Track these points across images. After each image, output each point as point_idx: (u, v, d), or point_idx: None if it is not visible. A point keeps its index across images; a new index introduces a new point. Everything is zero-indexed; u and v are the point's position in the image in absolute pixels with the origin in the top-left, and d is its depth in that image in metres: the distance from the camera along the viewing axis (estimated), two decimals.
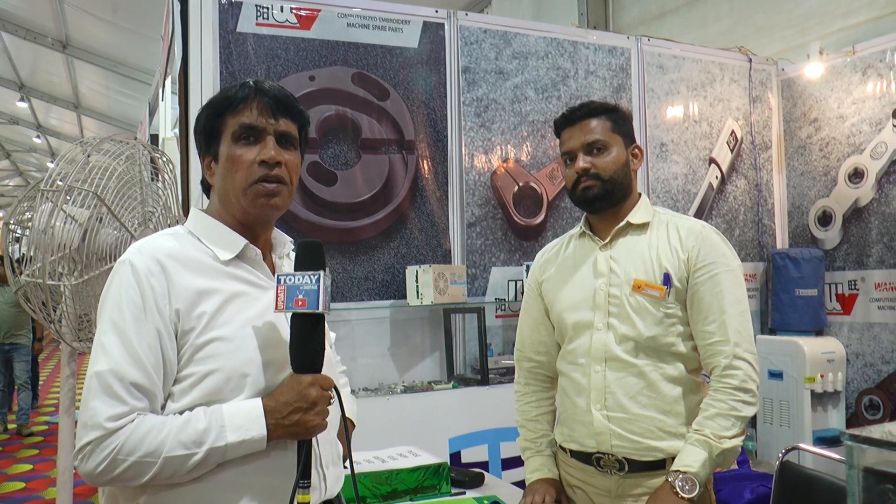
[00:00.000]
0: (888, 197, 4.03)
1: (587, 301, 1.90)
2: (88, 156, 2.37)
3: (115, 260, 2.10)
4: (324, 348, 1.33)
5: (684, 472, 1.72)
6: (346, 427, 1.46)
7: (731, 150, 4.50)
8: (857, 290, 4.21)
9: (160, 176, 2.69)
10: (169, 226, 2.38)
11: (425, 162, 3.56)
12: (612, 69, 4.11)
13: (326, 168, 3.32)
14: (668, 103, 4.30)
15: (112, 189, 2.41)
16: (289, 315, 1.31)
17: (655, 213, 1.95)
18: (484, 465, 3.26)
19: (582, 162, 1.89)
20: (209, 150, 1.42)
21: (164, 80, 4.37)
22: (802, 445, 2.76)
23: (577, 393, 1.90)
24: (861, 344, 4.18)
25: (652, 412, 1.81)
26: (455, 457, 3.24)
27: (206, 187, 1.47)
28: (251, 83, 1.40)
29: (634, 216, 1.92)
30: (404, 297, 3.42)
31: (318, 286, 1.27)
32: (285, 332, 1.34)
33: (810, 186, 4.49)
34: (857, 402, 4.18)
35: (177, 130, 4.08)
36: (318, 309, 1.27)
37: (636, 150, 1.98)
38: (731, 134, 4.50)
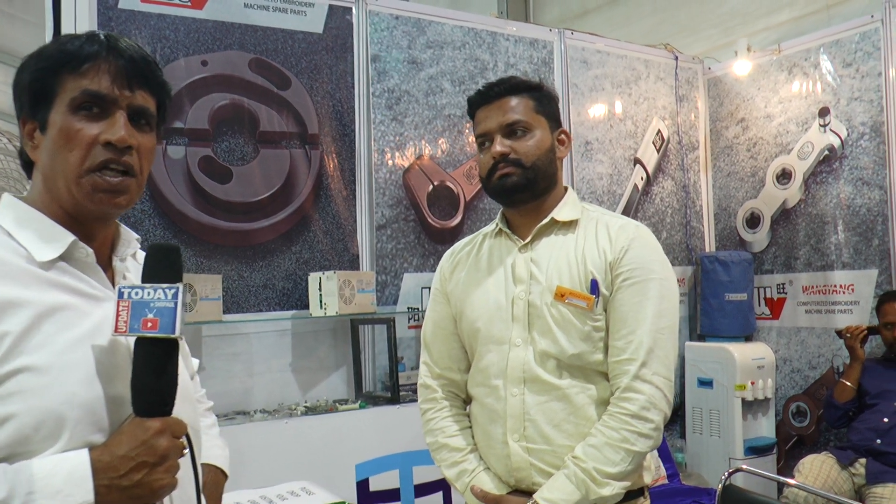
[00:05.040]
0: (815, 198, 4.23)
1: (503, 311, 1.76)
2: None
3: None
4: (177, 384, 1.12)
5: None
6: (199, 486, 1.22)
7: (658, 150, 4.64)
8: (786, 293, 4.40)
9: None
10: None
11: (330, 158, 3.53)
12: (533, 62, 4.18)
13: (220, 163, 3.26)
14: (593, 100, 4.41)
15: None
16: (132, 340, 1.10)
17: (584, 210, 1.83)
18: (395, 494, 3.24)
19: (499, 145, 1.75)
20: (34, 114, 1.17)
21: None
22: (745, 467, 2.88)
23: (490, 420, 1.77)
24: (789, 349, 4.37)
25: (578, 442, 1.67)
26: (363, 485, 3.20)
27: (27, 164, 1.22)
28: (102, 36, 1.17)
29: (560, 213, 1.79)
30: (307, 306, 3.38)
31: (175, 304, 1.09)
32: (126, 359, 1.12)
33: (738, 188, 4.68)
34: (785, 408, 4.36)
35: None
36: (173, 333, 1.08)
37: (563, 135, 1.86)
38: (657, 133, 4.65)
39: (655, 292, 1.69)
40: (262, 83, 3.38)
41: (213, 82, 3.27)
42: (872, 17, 3.98)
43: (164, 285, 1.10)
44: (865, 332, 3.63)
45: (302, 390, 3.43)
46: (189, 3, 3.24)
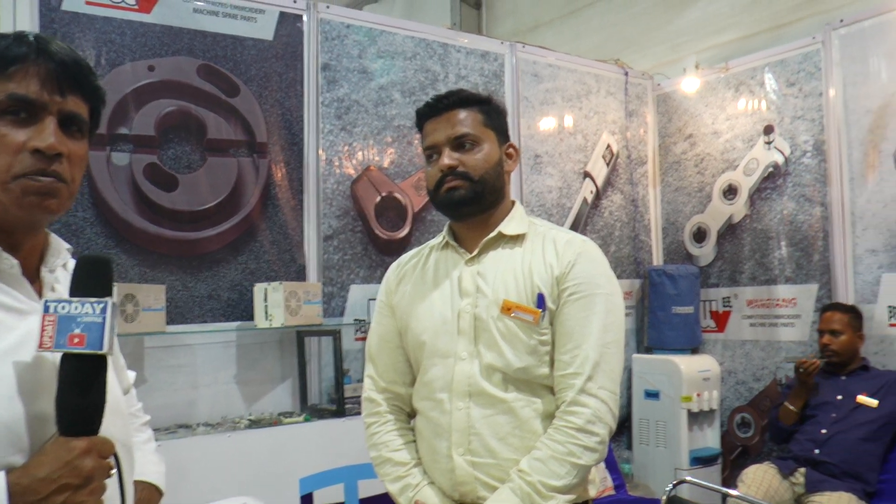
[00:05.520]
0: (760, 213, 4.37)
1: (449, 324, 1.77)
2: None
3: None
4: (105, 401, 1.08)
5: None
6: None
7: (607, 164, 4.72)
8: (731, 307, 4.53)
9: None
10: None
11: (279, 167, 3.52)
12: (484, 75, 4.22)
13: (166, 171, 3.23)
14: (543, 113, 4.47)
15: None
16: (58, 355, 1.06)
17: (532, 224, 1.85)
18: None
19: (447, 158, 1.76)
20: None
21: None
22: (689, 478, 2.94)
23: (435, 435, 1.77)
24: (734, 361, 4.49)
25: (524, 456, 1.68)
26: (307, 499, 3.16)
27: None
28: (31, 38, 1.13)
29: (508, 227, 1.81)
30: (253, 317, 3.35)
31: (104, 318, 1.05)
32: (51, 376, 1.07)
33: (685, 202, 4.81)
34: (730, 419, 4.48)
35: None
36: (101, 349, 1.04)
37: (511, 149, 1.87)
38: (606, 148, 4.73)
39: (601, 307, 1.71)
40: (211, 90, 3.35)
41: (160, 88, 3.24)
42: (814, 38, 4.13)
43: (93, 299, 1.06)
44: (819, 367, 3.70)
45: (246, 403, 3.40)
46: (136, 7, 3.21)
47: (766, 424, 4.14)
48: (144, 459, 1.44)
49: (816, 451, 3.47)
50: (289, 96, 3.58)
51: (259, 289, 3.32)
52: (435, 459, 1.78)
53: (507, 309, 1.72)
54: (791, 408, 3.64)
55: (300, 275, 3.54)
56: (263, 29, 3.52)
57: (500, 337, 1.72)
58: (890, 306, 3.78)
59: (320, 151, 3.64)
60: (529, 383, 1.73)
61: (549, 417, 1.72)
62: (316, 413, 3.42)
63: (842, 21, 4.01)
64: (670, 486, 3.08)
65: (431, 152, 1.82)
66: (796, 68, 4.20)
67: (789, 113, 4.23)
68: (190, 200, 3.27)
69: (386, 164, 3.84)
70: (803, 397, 3.65)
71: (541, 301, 1.72)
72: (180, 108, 3.29)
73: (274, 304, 3.25)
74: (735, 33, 4.76)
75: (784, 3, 4.54)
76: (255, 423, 3.24)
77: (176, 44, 3.30)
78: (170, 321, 3.12)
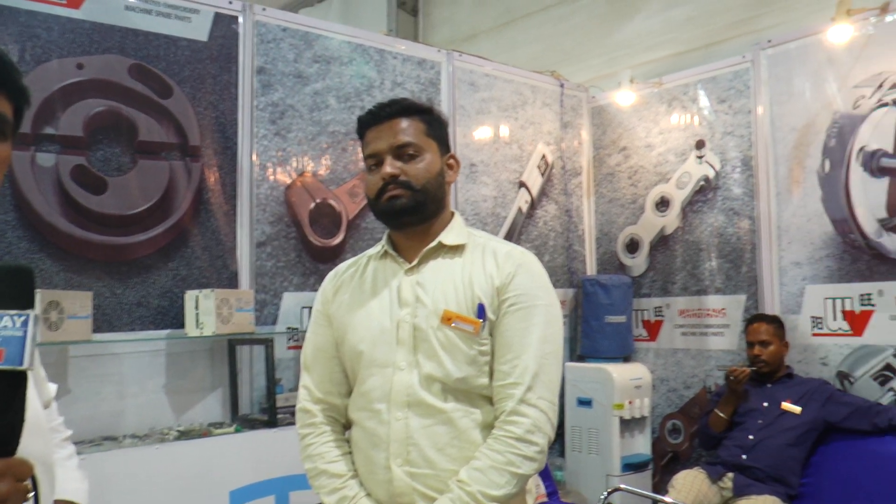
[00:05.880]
0: (692, 225, 4.50)
1: (388, 334, 1.77)
2: None
3: None
4: (24, 420, 1.01)
5: None
6: None
7: (542, 175, 4.80)
8: (663, 316, 4.66)
9: None
10: None
11: (212, 171, 3.47)
12: (420, 82, 4.24)
13: (95, 173, 3.14)
14: (479, 123, 4.51)
15: None
16: None
17: (471, 235, 1.86)
18: None
19: (390, 167, 1.76)
20: None
21: None
22: (623, 486, 3.00)
23: (372, 445, 1.76)
24: (666, 369, 4.62)
25: (462, 466, 1.69)
26: None
27: None
28: None
29: (447, 237, 1.82)
30: (183, 325, 3.29)
31: (25, 332, 0.99)
32: None
33: (619, 213, 4.91)
34: (662, 426, 4.60)
35: None
36: (21, 365, 0.98)
37: (452, 159, 1.90)
38: (541, 158, 4.80)
39: (541, 318, 1.74)
40: (143, 90, 3.28)
41: (88, 87, 3.16)
42: (744, 57, 4.27)
43: (13, 312, 0.99)
44: (749, 375, 3.82)
45: (175, 414, 3.33)
46: (64, 2, 3.12)
47: (695, 431, 4.25)
48: (66, 477, 1.38)
49: (744, 457, 3.58)
50: (223, 99, 3.53)
51: (190, 296, 3.26)
52: (372, 471, 1.77)
53: (447, 319, 1.73)
54: (721, 415, 3.75)
55: (232, 282, 3.50)
56: (198, 29, 3.47)
57: (440, 347, 1.73)
58: (813, 316, 3.93)
59: (254, 156, 3.60)
60: (468, 394, 1.74)
61: (487, 428, 1.73)
62: (247, 423, 3.38)
63: (769, 42, 4.15)
64: (605, 494, 3.14)
65: (373, 160, 1.82)
66: (727, 86, 4.35)
67: (720, 128, 4.37)
68: (119, 204, 3.20)
69: (321, 170, 3.82)
70: (733, 404, 3.76)
71: (481, 311, 1.73)
72: (110, 109, 3.21)
73: (205, 311, 3.20)
74: (669, 50, 4.91)
75: (716, 23, 4.70)
76: (184, 435, 3.17)
77: (106, 42, 3.22)
78: (96, 329, 3.03)
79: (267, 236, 3.62)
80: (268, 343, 3.41)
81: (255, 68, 3.63)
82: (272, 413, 3.37)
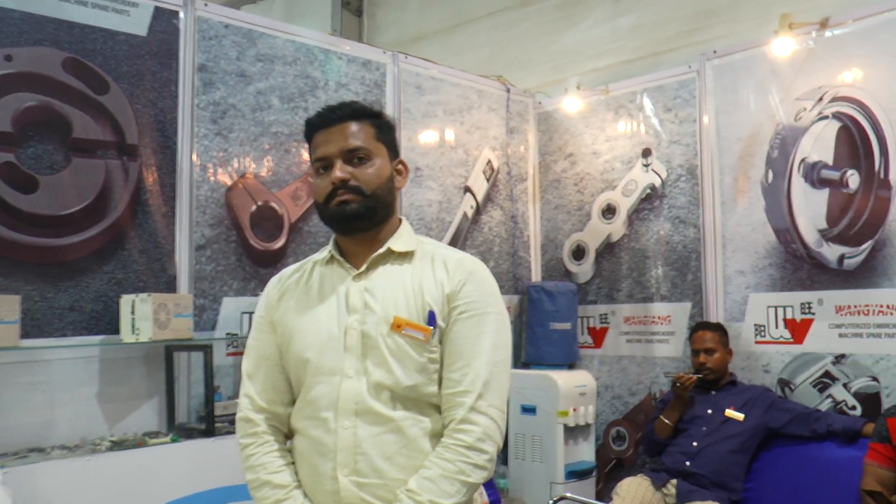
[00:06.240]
0: (638, 233, 4.56)
1: (335, 341, 1.76)
2: None
3: None
4: None
5: None
6: None
7: (488, 180, 4.80)
8: (608, 323, 4.70)
9: None
10: None
11: (150, 171, 3.38)
12: (365, 84, 4.21)
13: (25, 171, 3.02)
14: (425, 126, 4.49)
15: None
16: None
17: (420, 242, 1.86)
18: None
19: (340, 171, 1.75)
20: None
21: None
22: (569, 494, 3.01)
23: (319, 455, 1.74)
24: (611, 376, 4.66)
25: (411, 475, 1.68)
26: None
27: None
28: None
29: (396, 243, 1.82)
30: (118, 331, 3.20)
31: None
32: None
33: (565, 220, 4.95)
34: (606, 433, 4.64)
35: None
36: None
37: (401, 165, 1.89)
38: (487, 163, 4.81)
39: (492, 325, 1.75)
40: (77, 85, 3.18)
41: (18, 80, 3.04)
42: (690, 67, 4.35)
43: None
44: (695, 381, 3.86)
45: (109, 423, 3.23)
46: None
47: (640, 437, 4.31)
48: None
49: (688, 464, 3.63)
50: (162, 97, 3.45)
51: (126, 300, 3.18)
52: (318, 481, 1.75)
53: (397, 326, 1.72)
54: (667, 421, 3.80)
55: (170, 286, 3.42)
56: (137, 24, 3.38)
57: (390, 354, 1.72)
58: (756, 324, 4.02)
59: (194, 156, 3.53)
60: (417, 402, 1.73)
61: (436, 436, 1.73)
62: (184, 433, 3.31)
63: (715, 52, 4.23)
64: (550, 502, 3.14)
65: (322, 164, 1.80)
66: (673, 95, 4.42)
67: (666, 137, 4.44)
68: (51, 204, 3.09)
69: (263, 172, 3.77)
70: (679, 411, 3.81)
71: (431, 318, 1.73)
72: (42, 104, 3.10)
73: (142, 316, 3.13)
74: (616, 58, 4.96)
75: (663, 32, 4.77)
76: (117, 445, 3.08)
77: (38, 33, 3.11)
78: (25, 335, 2.92)
79: (207, 239, 3.55)
80: (207, 349, 3.36)
81: (196, 65, 3.56)
82: (210, 422, 3.31)
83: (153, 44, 3.43)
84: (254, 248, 3.70)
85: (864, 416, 3.57)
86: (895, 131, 3.59)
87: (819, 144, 3.81)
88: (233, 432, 3.16)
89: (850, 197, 3.71)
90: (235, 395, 3.50)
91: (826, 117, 3.78)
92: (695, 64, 4.32)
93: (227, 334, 3.59)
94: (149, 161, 3.39)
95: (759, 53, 4.04)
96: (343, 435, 1.71)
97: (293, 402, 1.85)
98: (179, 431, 3.32)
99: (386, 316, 1.74)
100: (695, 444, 3.68)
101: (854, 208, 3.70)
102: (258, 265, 3.71)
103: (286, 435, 1.88)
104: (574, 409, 4.35)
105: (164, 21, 3.46)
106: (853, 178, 3.70)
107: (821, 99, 3.80)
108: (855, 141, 3.70)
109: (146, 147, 3.38)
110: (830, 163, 3.77)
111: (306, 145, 1.87)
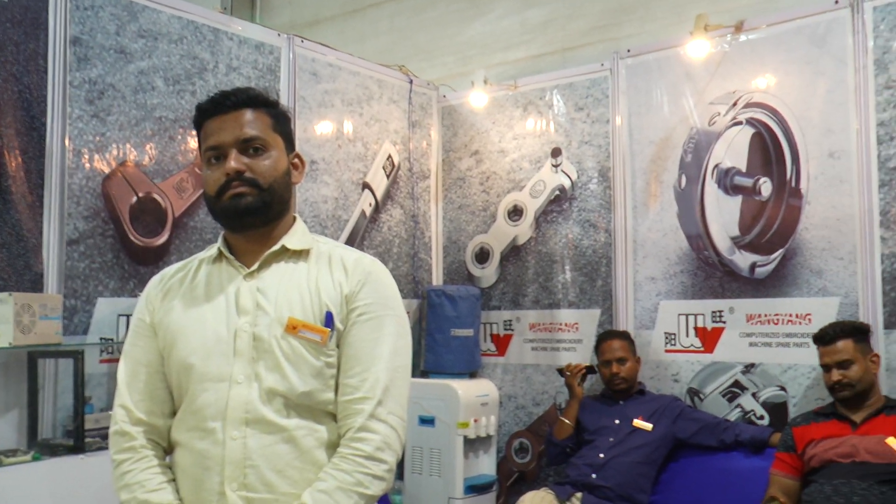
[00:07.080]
0: (545, 236, 4.51)
1: (224, 345, 1.70)
2: None
3: None
4: None
5: None
6: None
7: (388, 176, 4.70)
8: (513, 330, 4.65)
9: None
10: None
11: (13, 155, 3.15)
12: (258, 68, 4.06)
13: None
14: (321, 116, 4.35)
15: None
16: None
17: (315, 240, 1.85)
18: None
19: (235, 162, 1.71)
20: None
21: None
22: None
23: (204, 469, 1.68)
24: (514, 386, 4.60)
25: (305, 489, 1.65)
26: None
27: None
28: None
29: (291, 241, 1.79)
30: None
31: None
32: None
33: (469, 221, 4.87)
34: (508, 445, 4.58)
35: None
36: None
37: (297, 159, 1.86)
38: (387, 158, 4.70)
39: (392, 329, 1.74)
40: None
41: None
42: (602, 65, 4.34)
43: None
44: (584, 370, 3.90)
45: None
46: None
47: (542, 450, 4.29)
48: None
49: (593, 476, 3.65)
50: (28, 71, 3.19)
51: None
52: (202, 498, 1.69)
53: (292, 328, 1.69)
54: (566, 421, 3.85)
55: (36, 285, 3.21)
56: None
57: (284, 358, 1.68)
58: (666, 332, 4.05)
59: (67, 140, 3.30)
60: (312, 410, 1.70)
61: (332, 447, 1.70)
62: (48, 450, 3.11)
63: (629, 51, 4.24)
64: None
65: (214, 154, 1.75)
66: (584, 93, 4.40)
67: (577, 137, 4.41)
68: None
69: (144, 160, 3.58)
70: (575, 407, 3.86)
71: (329, 320, 1.71)
72: None
73: (2, 319, 2.94)
74: (525, 52, 4.92)
75: (574, 27, 4.75)
76: None
77: None
78: None
79: (80, 233, 3.34)
80: (77, 356, 3.18)
81: (69, 38, 3.33)
82: (79, 437, 3.13)
83: (16, 10, 3.18)
84: (133, 243, 3.53)
85: (772, 426, 3.65)
86: (806, 140, 3.68)
87: (732, 150, 3.86)
88: (105, 448, 2.99)
89: (762, 205, 3.78)
90: (109, 407, 3.33)
91: (740, 123, 3.84)
92: (608, 62, 4.31)
93: (102, 339, 3.42)
94: (12, 143, 3.15)
95: (674, 54, 4.07)
96: (231, 446, 1.66)
97: (174, 413, 1.79)
98: (42, 448, 3.13)
99: (280, 317, 1.70)
100: (601, 455, 3.69)
101: (766, 216, 3.77)
102: (138, 263, 3.54)
103: (165, 449, 1.81)
104: (475, 420, 4.30)
105: None
106: (766, 186, 3.77)
107: (735, 104, 3.86)
108: (768, 148, 3.77)
109: (9, 127, 3.15)
110: (744, 169, 3.83)
111: (194, 133, 1.84)
